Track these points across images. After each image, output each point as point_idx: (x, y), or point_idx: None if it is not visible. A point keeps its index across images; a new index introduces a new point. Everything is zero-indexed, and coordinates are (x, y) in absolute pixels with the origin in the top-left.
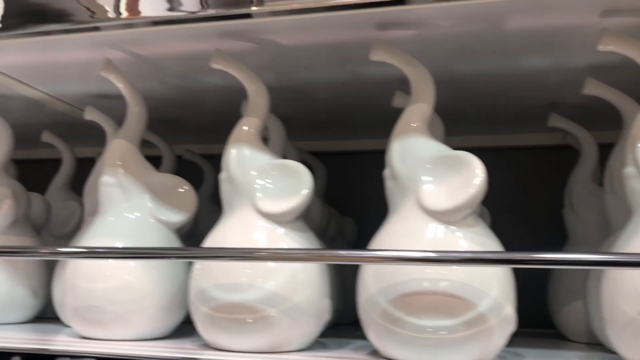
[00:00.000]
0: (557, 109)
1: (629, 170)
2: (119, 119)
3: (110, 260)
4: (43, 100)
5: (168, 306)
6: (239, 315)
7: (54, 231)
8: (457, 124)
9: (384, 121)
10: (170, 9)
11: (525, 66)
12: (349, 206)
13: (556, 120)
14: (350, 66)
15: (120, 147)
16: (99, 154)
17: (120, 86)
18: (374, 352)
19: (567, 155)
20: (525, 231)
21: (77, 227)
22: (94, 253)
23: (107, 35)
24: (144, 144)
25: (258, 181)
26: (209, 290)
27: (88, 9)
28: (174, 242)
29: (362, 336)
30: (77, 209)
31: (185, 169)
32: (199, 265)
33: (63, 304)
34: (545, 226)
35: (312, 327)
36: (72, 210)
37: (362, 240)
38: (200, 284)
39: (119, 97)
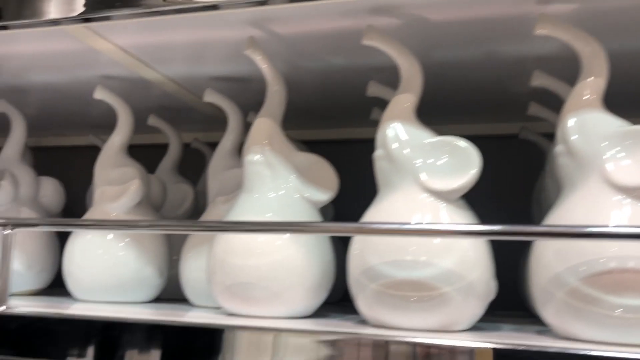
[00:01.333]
0: None
1: None
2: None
3: (262, 238)
4: (155, 81)
5: (317, 285)
6: (414, 292)
7: (166, 213)
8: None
9: (504, 104)
10: None
11: None
12: None
13: None
14: (490, 44)
15: (265, 126)
16: (195, 139)
17: (263, 65)
18: (542, 332)
19: None
20: None
21: (190, 209)
22: (260, 227)
23: (226, 14)
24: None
25: (419, 158)
26: (379, 267)
27: None
28: (319, 220)
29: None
30: (190, 191)
31: None
32: (359, 243)
33: (212, 280)
34: None
35: (480, 307)
36: (184, 193)
37: None
38: (368, 261)
39: (229, 79)
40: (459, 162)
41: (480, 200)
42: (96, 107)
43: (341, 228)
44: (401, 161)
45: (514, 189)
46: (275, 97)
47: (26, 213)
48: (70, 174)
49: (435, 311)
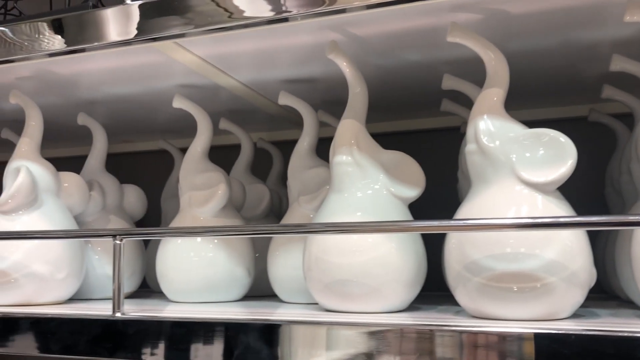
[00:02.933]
0: None
1: None
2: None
3: (356, 236)
4: (227, 86)
5: (413, 279)
6: (517, 284)
7: (244, 213)
8: None
9: (573, 88)
10: None
11: None
12: None
13: None
14: (566, 32)
15: (351, 127)
16: (261, 139)
17: (346, 70)
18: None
19: None
20: None
21: (267, 208)
22: (360, 227)
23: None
24: (322, 125)
25: (514, 151)
26: (480, 261)
27: None
28: (409, 216)
29: None
30: (266, 191)
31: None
32: (455, 237)
33: (308, 278)
34: None
35: (582, 295)
36: (260, 193)
37: None
38: (468, 254)
39: (298, 81)
40: (554, 153)
41: None
42: (163, 114)
43: (447, 225)
44: (496, 155)
45: (584, 171)
46: (358, 98)
47: (114, 221)
48: (138, 179)
49: (539, 301)
